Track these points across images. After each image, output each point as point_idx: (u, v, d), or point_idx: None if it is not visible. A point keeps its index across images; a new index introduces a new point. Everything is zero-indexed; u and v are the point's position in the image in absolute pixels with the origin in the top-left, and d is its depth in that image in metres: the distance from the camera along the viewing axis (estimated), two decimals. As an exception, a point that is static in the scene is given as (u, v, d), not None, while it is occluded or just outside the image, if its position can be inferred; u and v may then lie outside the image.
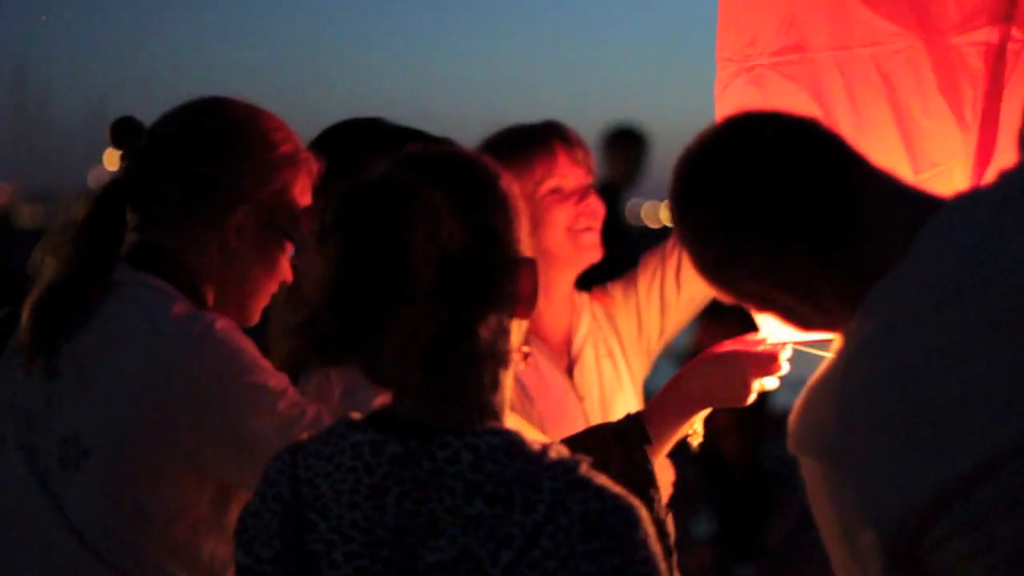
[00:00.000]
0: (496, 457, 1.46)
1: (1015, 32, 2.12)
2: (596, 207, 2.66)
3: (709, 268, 1.72)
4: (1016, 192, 1.62)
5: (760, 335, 2.23)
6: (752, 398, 2.22)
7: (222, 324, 1.97)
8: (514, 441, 1.49)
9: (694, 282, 2.55)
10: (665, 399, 2.24)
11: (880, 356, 1.56)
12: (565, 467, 1.47)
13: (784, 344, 2.20)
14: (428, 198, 1.51)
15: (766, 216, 1.64)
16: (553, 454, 1.48)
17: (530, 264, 1.57)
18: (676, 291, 2.74)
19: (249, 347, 1.98)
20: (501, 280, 1.54)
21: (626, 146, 6.67)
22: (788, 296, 1.67)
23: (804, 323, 1.72)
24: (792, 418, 1.61)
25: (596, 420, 2.59)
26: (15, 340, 2.06)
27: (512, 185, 1.60)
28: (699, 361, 2.25)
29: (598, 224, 2.67)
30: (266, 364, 1.98)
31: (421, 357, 1.53)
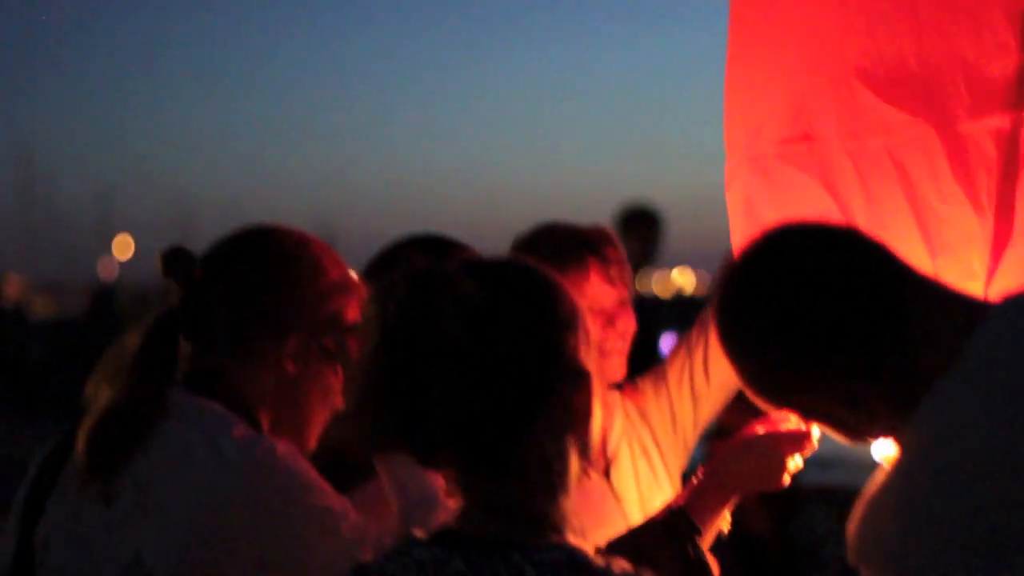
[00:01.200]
0: (560, 573, 1.46)
1: None
2: (625, 328, 2.61)
3: (757, 382, 1.72)
4: None
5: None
6: (787, 479, 2.22)
7: (283, 447, 1.98)
8: (577, 556, 1.48)
9: (723, 370, 2.53)
10: (704, 488, 2.23)
11: (937, 463, 1.55)
12: None
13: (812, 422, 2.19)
14: (461, 287, 1.50)
15: (815, 332, 1.64)
16: (617, 569, 1.47)
17: (585, 377, 1.56)
18: (706, 381, 2.73)
19: (310, 470, 1.99)
20: (557, 389, 1.53)
21: (641, 226, 6.72)
22: (838, 407, 1.67)
23: (853, 432, 1.72)
24: (851, 529, 1.61)
25: (636, 521, 2.53)
26: (69, 467, 2.05)
27: (571, 297, 1.58)
28: (734, 447, 2.25)
29: (626, 346, 2.63)
30: (327, 487, 1.99)
31: (480, 463, 1.53)
